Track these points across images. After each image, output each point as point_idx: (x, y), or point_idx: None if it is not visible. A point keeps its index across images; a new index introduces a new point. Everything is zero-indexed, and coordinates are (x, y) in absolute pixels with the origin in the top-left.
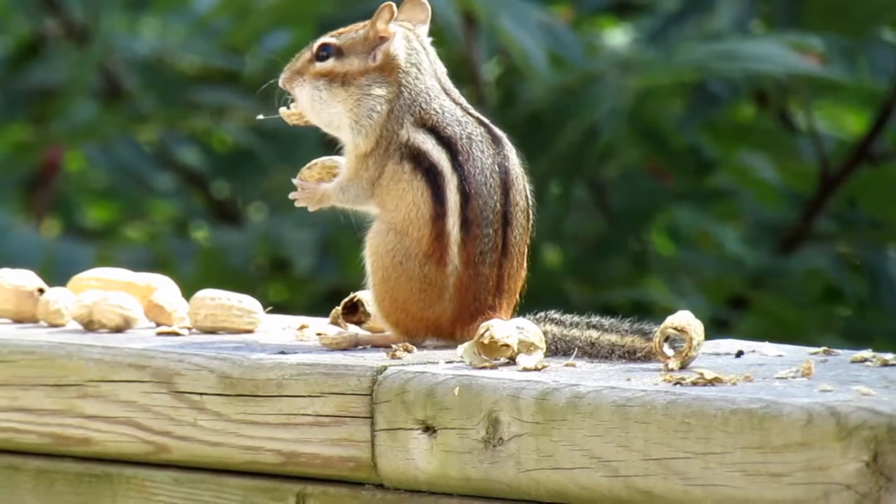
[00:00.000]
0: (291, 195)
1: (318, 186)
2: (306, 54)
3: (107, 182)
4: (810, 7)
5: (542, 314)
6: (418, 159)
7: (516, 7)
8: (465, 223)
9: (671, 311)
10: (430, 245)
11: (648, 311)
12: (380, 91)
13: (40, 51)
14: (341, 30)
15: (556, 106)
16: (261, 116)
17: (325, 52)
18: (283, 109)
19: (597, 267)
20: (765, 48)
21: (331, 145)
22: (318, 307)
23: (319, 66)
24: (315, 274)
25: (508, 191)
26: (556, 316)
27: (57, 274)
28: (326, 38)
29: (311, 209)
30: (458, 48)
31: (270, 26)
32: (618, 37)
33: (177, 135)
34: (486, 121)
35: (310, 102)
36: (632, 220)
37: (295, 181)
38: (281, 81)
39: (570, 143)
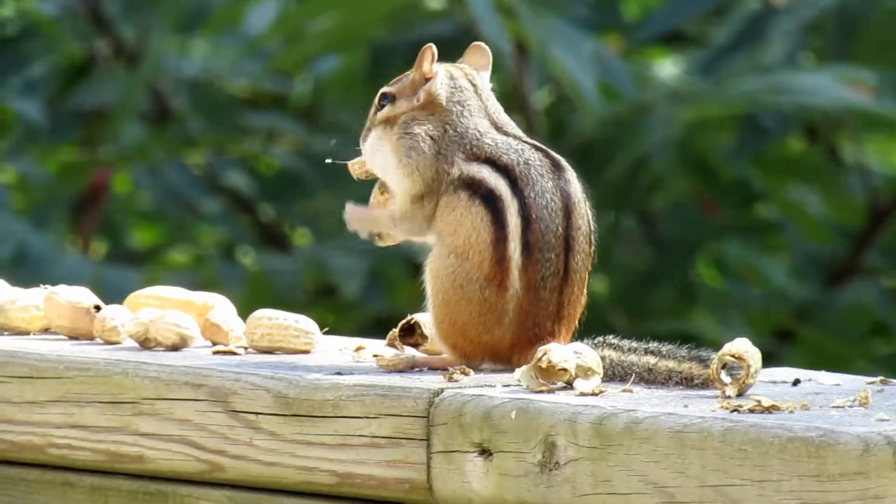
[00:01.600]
0: (346, 215)
1: (371, 212)
2: (373, 108)
3: (153, 205)
4: (862, 41)
5: (601, 339)
6: (475, 187)
7: (568, 37)
8: (527, 247)
9: (718, 344)
10: (491, 269)
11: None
12: (419, 129)
13: (90, 72)
14: (398, 77)
15: (606, 136)
16: (329, 161)
17: (384, 101)
18: (350, 163)
19: (644, 298)
20: (816, 81)
21: None
22: (364, 334)
23: (380, 114)
24: (362, 300)
25: (570, 215)
26: (614, 341)
27: (103, 297)
28: (385, 88)
29: (362, 235)
30: (509, 77)
31: (321, 51)
32: (668, 68)
33: (224, 158)
34: (544, 147)
35: (370, 148)
36: (680, 252)
37: (348, 205)
38: (361, 143)
39: (619, 173)
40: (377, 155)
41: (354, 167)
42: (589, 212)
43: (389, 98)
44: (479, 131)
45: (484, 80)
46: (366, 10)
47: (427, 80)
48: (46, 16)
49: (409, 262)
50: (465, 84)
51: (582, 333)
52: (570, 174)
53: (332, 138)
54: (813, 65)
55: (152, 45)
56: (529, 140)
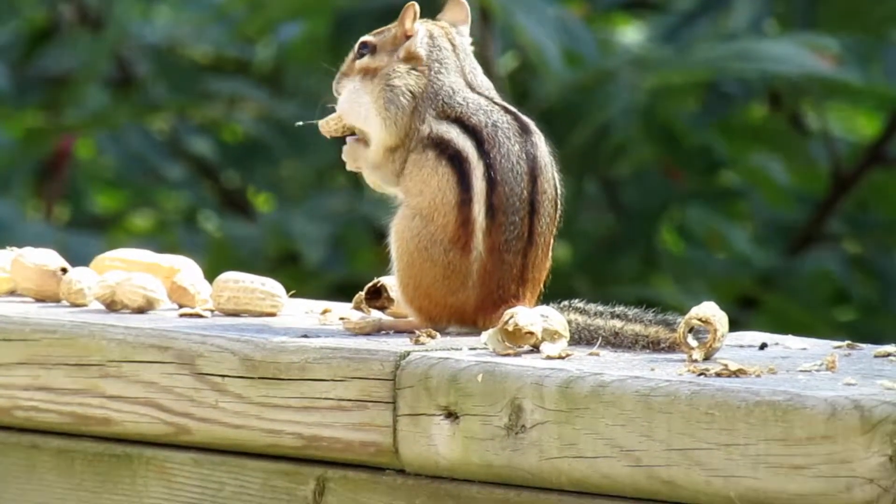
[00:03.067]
0: (346, 147)
1: (360, 148)
2: (351, 55)
3: (116, 170)
4: (826, 8)
5: (567, 303)
6: (442, 147)
7: (531, 3)
8: (491, 210)
9: (681, 311)
10: (455, 231)
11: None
12: (399, 82)
13: (53, 37)
14: (380, 29)
15: (570, 103)
16: (300, 123)
17: (363, 50)
18: (321, 122)
19: (607, 264)
20: (780, 49)
21: (342, 138)
22: (328, 300)
23: (358, 63)
24: (325, 267)
25: (536, 179)
26: (581, 305)
27: (66, 262)
28: (366, 37)
29: (348, 166)
30: (473, 43)
31: (285, 17)
32: (631, 35)
33: (188, 124)
34: (514, 109)
35: (347, 99)
36: (643, 219)
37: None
38: (334, 87)
39: (583, 140)
40: (355, 105)
41: (328, 124)
42: (556, 176)
43: (370, 48)
44: (452, 89)
45: (463, 37)
46: None
47: (408, 37)
48: None
49: (372, 229)
50: (444, 43)
51: (546, 299)
52: (538, 138)
53: (297, 120)
54: (777, 32)
55: (116, 11)
56: (500, 101)
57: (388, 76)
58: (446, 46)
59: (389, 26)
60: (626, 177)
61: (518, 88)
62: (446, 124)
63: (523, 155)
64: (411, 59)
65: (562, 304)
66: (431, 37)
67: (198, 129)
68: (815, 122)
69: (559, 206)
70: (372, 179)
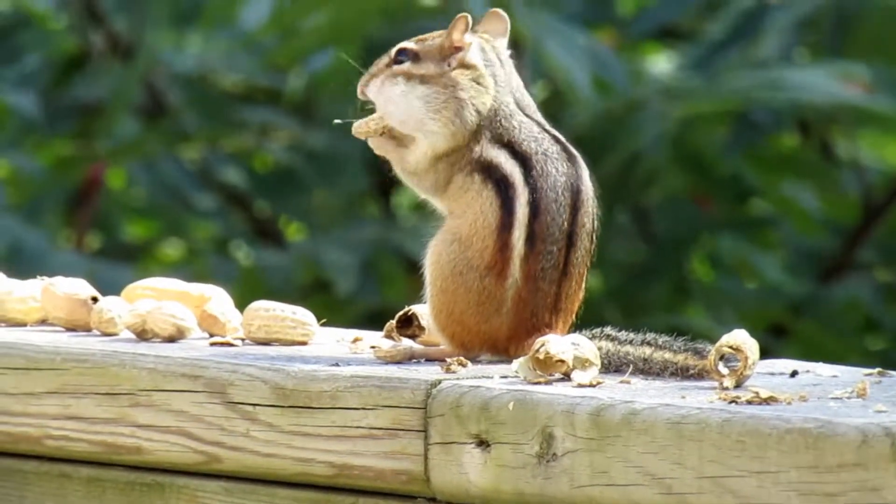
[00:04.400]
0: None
1: (388, 142)
2: (384, 59)
3: (147, 199)
4: (856, 36)
5: (598, 330)
6: (490, 171)
7: (562, 32)
8: (531, 238)
9: (711, 339)
10: (492, 256)
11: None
12: (466, 94)
13: (84, 65)
14: (421, 37)
15: (601, 131)
16: (338, 121)
17: (402, 57)
18: (357, 122)
19: (638, 293)
20: (809, 77)
21: (374, 166)
22: (358, 329)
23: (396, 67)
24: (356, 296)
25: (577, 211)
26: (612, 332)
27: (97, 292)
28: (405, 43)
29: (358, 133)
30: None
31: (315, 46)
32: (662, 64)
33: (219, 153)
34: (562, 138)
35: (396, 100)
36: (673, 248)
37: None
38: (359, 88)
39: (613, 169)
40: (406, 107)
41: (367, 125)
42: (595, 210)
43: (410, 55)
44: (509, 111)
45: (504, 51)
46: (360, 5)
47: (457, 48)
48: (41, 9)
49: (403, 257)
50: (493, 57)
51: (577, 327)
52: (584, 171)
53: (329, 149)
54: (807, 60)
55: (147, 40)
56: (550, 129)
57: (455, 85)
58: (494, 61)
59: (433, 34)
60: (656, 205)
61: (548, 117)
62: (497, 148)
63: (568, 186)
64: (467, 70)
65: (593, 332)
66: (482, 49)
67: (229, 158)
68: (846, 151)
69: (594, 241)
70: (407, 177)
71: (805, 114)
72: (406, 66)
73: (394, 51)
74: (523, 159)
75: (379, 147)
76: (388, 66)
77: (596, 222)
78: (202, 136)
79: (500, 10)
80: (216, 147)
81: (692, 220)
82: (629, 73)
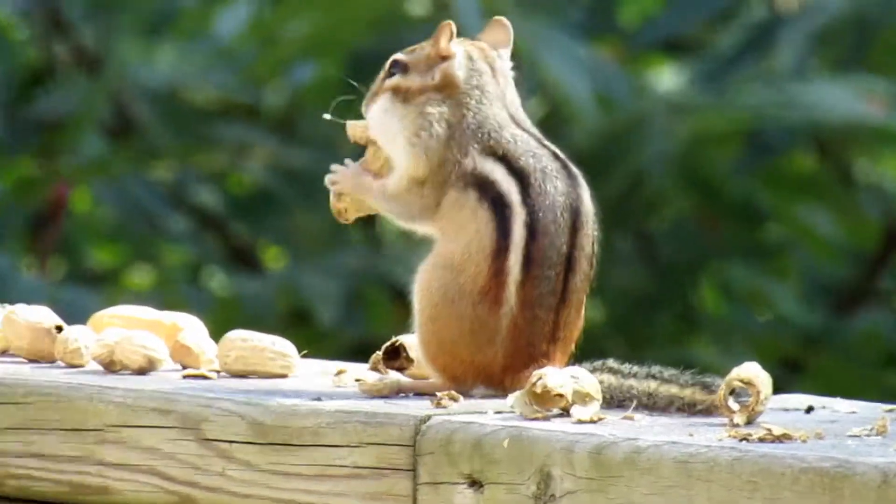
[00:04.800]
0: (335, 167)
1: (363, 176)
2: (382, 73)
3: (115, 222)
4: (878, 49)
5: (600, 363)
6: (486, 188)
7: (561, 43)
8: (528, 262)
9: (720, 373)
10: (486, 282)
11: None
12: (434, 109)
13: (48, 79)
14: (414, 46)
15: (602, 149)
16: (327, 116)
17: (394, 69)
18: (349, 123)
19: (641, 324)
20: (827, 94)
21: None
22: (341, 361)
23: (388, 82)
24: (339, 327)
25: (577, 233)
26: (614, 365)
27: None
28: (399, 55)
29: (331, 189)
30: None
31: (297, 57)
32: (668, 78)
33: (192, 173)
34: (562, 155)
35: (376, 118)
36: (680, 275)
37: (335, 167)
38: (363, 108)
39: (615, 189)
40: (383, 126)
41: (356, 128)
42: (595, 232)
43: (401, 67)
44: (498, 123)
45: (503, 62)
46: (345, 14)
47: (443, 58)
48: (1, 18)
49: (390, 286)
50: (484, 67)
51: (578, 360)
52: (584, 190)
53: (310, 169)
54: (824, 75)
55: (115, 51)
56: (549, 144)
57: (422, 102)
58: (486, 71)
59: (423, 44)
60: (661, 230)
61: (546, 134)
62: (492, 162)
63: (567, 207)
64: (447, 82)
65: (594, 365)
66: (470, 59)
67: (203, 178)
68: (866, 172)
69: (594, 265)
70: (386, 209)
71: (822, 133)
72: (396, 79)
73: (388, 63)
74: (521, 176)
75: (357, 186)
76: (384, 80)
77: (596, 245)
78: (174, 154)
79: (503, 19)
80: (189, 166)
81: (700, 245)
82: (633, 87)
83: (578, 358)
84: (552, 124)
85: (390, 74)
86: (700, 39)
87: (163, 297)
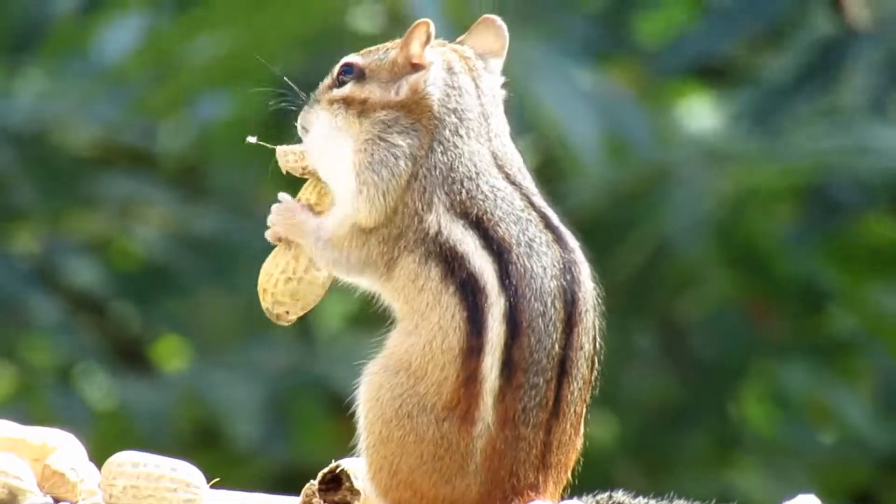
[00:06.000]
0: (274, 207)
1: (300, 212)
2: (327, 79)
3: None
4: None
5: (606, 496)
6: (452, 264)
7: (560, 68)
8: (508, 366)
9: None
10: (454, 392)
11: None
12: (397, 139)
13: None
14: (373, 47)
15: (613, 213)
16: (252, 139)
17: (345, 75)
18: (280, 148)
19: (665, 445)
20: None
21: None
22: (265, 491)
23: (337, 91)
24: (259, 448)
25: (573, 328)
26: (625, 499)
27: None
28: (351, 57)
29: (270, 235)
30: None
31: (205, 86)
32: (703, 115)
33: (64, 243)
34: (555, 219)
35: (322, 132)
36: (717, 380)
37: (282, 196)
38: (299, 120)
39: (631, 266)
40: (326, 150)
41: (287, 157)
42: (597, 324)
43: (356, 72)
44: (474, 166)
45: (492, 77)
46: (269, 31)
47: (413, 66)
48: None
49: (328, 392)
50: (466, 83)
51: (576, 493)
52: (583, 269)
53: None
54: None
55: None
56: (537, 200)
57: (385, 125)
58: (469, 89)
59: (387, 45)
60: (693, 320)
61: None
62: (462, 227)
63: (560, 293)
64: (417, 101)
65: (598, 499)
66: (450, 71)
67: (78, 249)
68: None
69: (596, 366)
70: (322, 256)
71: None
72: (348, 88)
73: (337, 67)
74: (499, 251)
75: (293, 228)
76: (330, 87)
77: (599, 343)
78: (41, 216)
79: (495, 18)
80: (60, 233)
81: (744, 340)
82: (655, 127)
83: (577, 490)
84: (547, 178)
85: (340, 83)
86: (745, 63)
87: (27, 407)
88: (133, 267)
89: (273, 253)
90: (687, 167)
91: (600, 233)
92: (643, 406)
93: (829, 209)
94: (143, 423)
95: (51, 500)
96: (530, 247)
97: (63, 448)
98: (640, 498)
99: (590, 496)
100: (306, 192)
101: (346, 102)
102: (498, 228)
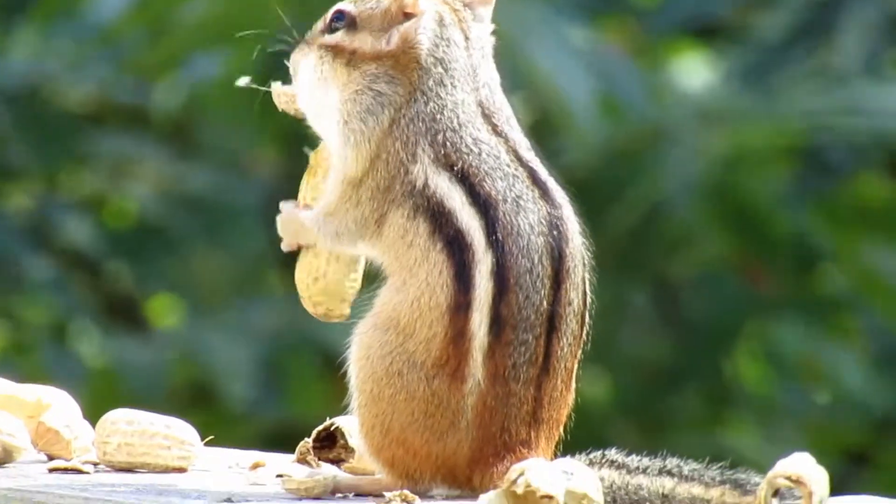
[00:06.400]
0: (279, 219)
1: (298, 214)
2: (320, 23)
3: None
4: None
5: (600, 454)
6: (440, 220)
7: (553, 27)
8: (497, 323)
9: (762, 466)
10: (443, 349)
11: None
12: (384, 87)
13: None
14: None
15: (606, 171)
16: (243, 81)
17: (337, 22)
18: (275, 85)
19: (658, 403)
20: None
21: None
22: (260, 450)
23: (329, 37)
24: (254, 406)
25: (561, 284)
26: (618, 457)
27: None
28: (343, 4)
29: (285, 247)
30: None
31: (197, 46)
32: (697, 74)
33: (59, 201)
34: (543, 173)
35: (308, 78)
36: (711, 338)
37: (283, 206)
38: (291, 60)
39: (626, 225)
40: (315, 96)
41: (280, 97)
42: (587, 280)
43: (347, 20)
44: (457, 117)
45: (482, 27)
46: None
47: (406, 15)
48: None
49: (321, 351)
50: (457, 36)
51: (570, 451)
52: (570, 223)
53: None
54: None
55: None
56: (525, 155)
57: (374, 77)
58: (458, 41)
59: None
60: (687, 279)
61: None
62: (447, 179)
63: (548, 250)
64: (407, 51)
65: (592, 457)
66: (441, 22)
67: (72, 207)
68: None
69: (587, 323)
70: (325, 234)
71: None
72: (339, 36)
73: (330, 13)
74: (486, 206)
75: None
76: (322, 32)
77: (590, 299)
78: (35, 175)
79: None
80: (54, 191)
81: (738, 299)
82: (649, 86)
83: (570, 447)
84: (541, 136)
85: (331, 29)
86: (739, 22)
87: (21, 365)
88: (126, 225)
89: (299, 260)
90: (680, 126)
91: (594, 191)
92: (637, 365)
93: (822, 169)
94: (137, 382)
95: (45, 458)
96: (517, 203)
97: (57, 405)
98: (634, 456)
99: (583, 454)
100: (303, 193)
101: (335, 51)
102: (484, 184)
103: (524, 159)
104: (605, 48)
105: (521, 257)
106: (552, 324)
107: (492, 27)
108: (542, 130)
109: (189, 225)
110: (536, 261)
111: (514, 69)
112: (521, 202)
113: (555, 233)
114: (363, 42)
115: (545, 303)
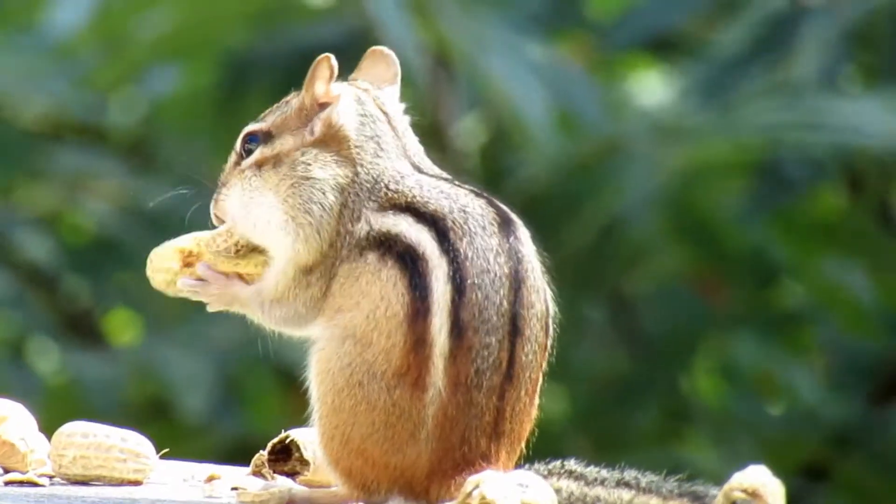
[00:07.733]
0: (189, 284)
1: (231, 286)
2: (232, 157)
3: None
4: None
5: (559, 463)
6: (387, 244)
7: (509, 42)
8: (457, 326)
9: (717, 479)
10: (403, 358)
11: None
12: (323, 173)
13: None
14: (271, 108)
15: (563, 188)
16: (183, 189)
17: (250, 144)
18: (204, 240)
19: (615, 418)
20: (863, 111)
21: None
22: (213, 464)
23: (246, 162)
24: (210, 420)
25: (521, 285)
26: (576, 468)
27: None
28: (250, 126)
29: (212, 310)
30: (421, 102)
31: (155, 60)
32: (654, 89)
33: (15, 216)
34: (487, 195)
35: (240, 201)
36: (668, 354)
37: (200, 269)
38: (211, 208)
39: (583, 240)
40: (252, 213)
41: (217, 243)
42: (547, 288)
43: (261, 136)
44: (398, 173)
45: (394, 104)
46: (218, 6)
47: (321, 106)
48: None
49: (277, 367)
50: (376, 112)
51: (528, 462)
52: (523, 232)
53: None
54: (858, 88)
55: None
56: (465, 185)
57: (305, 165)
58: (379, 116)
59: (286, 98)
60: (644, 294)
61: (489, 167)
62: (393, 215)
63: (503, 252)
64: (333, 134)
65: (550, 468)
66: (359, 102)
67: (30, 222)
68: None
69: (550, 330)
70: (272, 317)
71: (855, 162)
72: (257, 154)
73: (239, 141)
74: (434, 220)
75: (229, 299)
76: (237, 163)
77: (550, 304)
78: None
79: (384, 50)
80: (11, 207)
81: (695, 314)
82: (606, 101)
83: (529, 459)
84: (498, 153)
85: (247, 152)
86: (696, 37)
87: None
88: (84, 240)
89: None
90: (637, 141)
91: (551, 206)
92: (593, 379)
93: (779, 183)
94: (95, 397)
95: (0, 470)
96: (464, 211)
97: (13, 418)
98: (592, 468)
99: (542, 464)
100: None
101: (258, 164)
102: (429, 204)
103: (464, 186)
104: (561, 63)
105: (475, 258)
106: (515, 325)
107: (403, 105)
108: (499, 146)
109: (146, 240)
110: (492, 260)
111: (470, 85)
112: (469, 210)
113: (509, 235)
114: (284, 144)
115: (505, 302)
